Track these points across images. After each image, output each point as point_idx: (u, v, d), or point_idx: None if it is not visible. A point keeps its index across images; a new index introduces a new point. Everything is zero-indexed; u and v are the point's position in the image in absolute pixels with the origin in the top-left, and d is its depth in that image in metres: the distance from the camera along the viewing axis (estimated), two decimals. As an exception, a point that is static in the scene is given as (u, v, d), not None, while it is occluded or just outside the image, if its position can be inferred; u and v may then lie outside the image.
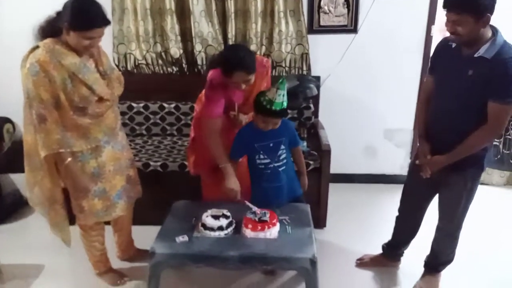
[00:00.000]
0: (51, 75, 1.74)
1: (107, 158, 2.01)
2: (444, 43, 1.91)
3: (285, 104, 1.96)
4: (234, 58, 1.96)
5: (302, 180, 2.26)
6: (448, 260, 2.18)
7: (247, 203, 1.97)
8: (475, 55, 1.72)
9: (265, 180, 2.12)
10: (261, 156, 2.08)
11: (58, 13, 1.79)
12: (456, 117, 1.85)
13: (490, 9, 1.64)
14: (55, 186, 1.97)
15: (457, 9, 1.66)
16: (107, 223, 2.22)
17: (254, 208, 1.94)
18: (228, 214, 1.97)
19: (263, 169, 2.10)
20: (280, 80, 1.91)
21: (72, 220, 2.10)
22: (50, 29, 1.80)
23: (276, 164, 2.10)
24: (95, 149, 1.95)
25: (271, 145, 2.07)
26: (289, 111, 3.06)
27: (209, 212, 1.98)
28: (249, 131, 2.09)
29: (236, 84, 1.99)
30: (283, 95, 1.93)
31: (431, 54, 3.01)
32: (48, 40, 1.78)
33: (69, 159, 1.87)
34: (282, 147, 2.09)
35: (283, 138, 2.09)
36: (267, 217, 1.92)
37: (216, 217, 1.94)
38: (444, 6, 1.71)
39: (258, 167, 2.11)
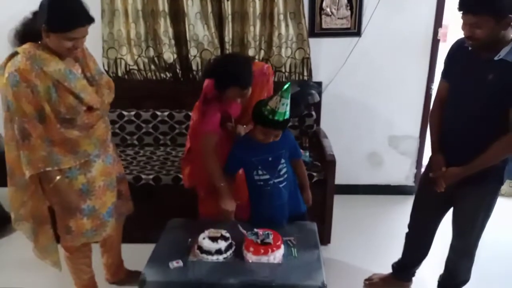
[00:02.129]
0: (33, 85, 1.57)
1: (97, 173, 1.84)
2: (459, 44, 1.78)
3: (287, 114, 1.79)
4: (228, 73, 1.83)
5: (306, 195, 2.10)
6: (465, 280, 2.05)
7: (240, 228, 1.79)
8: (496, 58, 1.60)
9: (265, 198, 1.97)
10: (260, 172, 1.93)
11: (35, 14, 1.62)
12: (473, 125, 1.73)
13: None
14: (43, 205, 1.82)
15: (477, 11, 1.53)
16: (94, 242, 2.04)
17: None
18: (227, 235, 1.81)
19: (262, 186, 1.95)
20: (284, 88, 1.73)
21: (56, 241, 1.94)
22: (28, 33, 1.63)
23: (276, 180, 1.94)
24: (84, 164, 1.79)
25: (270, 159, 1.91)
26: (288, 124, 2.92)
27: (206, 233, 1.81)
28: (245, 144, 1.93)
29: (232, 99, 1.88)
30: (287, 105, 1.76)
31: (438, 58, 2.99)
32: (27, 45, 1.60)
33: (58, 177, 1.71)
34: (282, 160, 1.93)
35: (283, 150, 1.93)
36: (270, 239, 1.75)
37: (214, 239, 1.78)
38: (460, 8, 1.58)
39: (257, 183, 1.95)
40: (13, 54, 1.61)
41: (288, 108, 1.78)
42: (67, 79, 1.65)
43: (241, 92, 1.85)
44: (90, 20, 1.60)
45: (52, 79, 1.61)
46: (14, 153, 1.70)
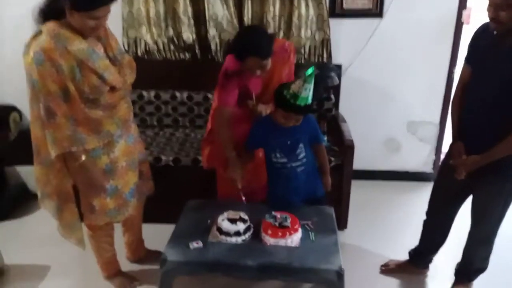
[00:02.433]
0: (58, 64, 1.58)
1: (120, 153, 1.87)
2: (484, 29, 1.73)
3: (309, 99, 1.77)
4: (248, 42, 1.84)
5: (325, 180, 2.09)
6: (482, 268, 2.04)
7: (243, 198, 1.90)
8: None
9: (282, 180, 1.98)
10: (278, 155, 1.93)
11: None
12: (492, 113, 1.69)
13: None
14: (67, 183, 1.85)
15: None
16: (116, 222, 2.08)
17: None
18: (246, 217, 1.83)
19: (280, 168, 1.95)
20: (309, 72, 1.71)
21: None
22: (52, 12, 1.62)
23: (294, 164, 1.94)
24: (107, 144, 1.81)
25: (288, 142, 1.91)
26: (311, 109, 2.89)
27: (225, 214, 1.85)
28: (266, 124, 1.93)
29: (250, 70, 1.86)
30: (310, 90, 1.74)
31: (461, 42, 2.89)
32: (51, 24, 1.60)
33: (83, 157, 1.74)
34: (301, 145, 1.93)
35: (303, 135, 1.92)
36: (288, 223, 1.78)
37: (232, 221, 1.81)
38: None
39: (275, 166, 1.96)
40: (38, 34, 1.62)
41: (310, 93, 1.76)
42: (91, 59, 1.65)
43: (260, 62, 1.84)
44: None
45: (76, 58, 1.62)
46: (40, 132, 1.72)
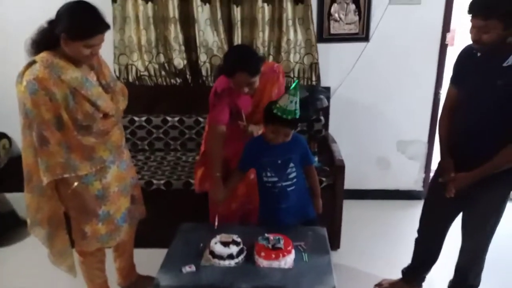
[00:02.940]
0: (51, 93, 1.60)
1: (112, 178, 1.87)
2: (468, 50, 1.79)
3: (297, 113, 1.81)
4: (237, 58, 1.90)
5: (316, 203, 2.11)
6: (474, 284, 2.05)
7: (216, 223, 1.92)
8: (504, 64, 1.61)
9: (273, 199, 1.99)
10: (268, 174, 1.95)
11: (51, 22, 1.64)
12: (481, 130, 1.73)
13: None
14: (59, 210, 1.85)
15: (486, 14, 1.53)
16: (108, 247, 2.07)
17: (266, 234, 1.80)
18: (239, 240, 1.82)
19: (271, 187, 1.97)
20: (292, 86, 1.77)
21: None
22: (45, 41, 1.65)
23: (284, 184, 1.95)
24: (99, 170, 1.81)
25: (279, 162, 1.93)
26: (298, 123, 2.94)
27: (218, 237, 1.83)
28: (257, 144, 1.96)
29: (239, 86, 1.91)
30: (296, 102, 1.79)
31: (446, 63, 2.99)
32: (45, 54, 1.63)
33: (76, 183, 1.74)
34: (291, 164, 1.95)
35: (293, 155, 1.94)
36: (281, 244, 1.77)
37: (225, 244, 1.80)
38: (470, 11, 1.59)
39: (266, 185, 1.98)
40: (31, 63, 1.64)
41: (297, 106, 1.80)
42: (84, 87, 1.68)
43: (249, 79, 1.88)
44: (107, 27, 1.64)
45: (69, 86, 1.64)
46: (32, 159, 1.72)
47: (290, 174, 1.95)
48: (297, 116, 1.82)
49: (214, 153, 2.04)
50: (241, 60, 1.89)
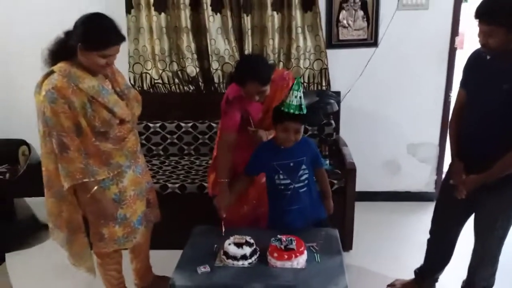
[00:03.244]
0: (70, 101, 1.67)
1: (129, 183, 1.94)
2: (477, 54, 1.81)
3: (303, 108, 1.84)
4: (248, 68, 1.94)
5: (327, 204, 2.13)
6: (488, 285, 2.03)
7: (223, 229, 1.94)
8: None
9: (285, 201, 2.01)
10: (281, 176, 1.98)
11: (67, 33, 1.72)
12: (490, 133, 1.74)
13: None
14: (77, 214, 1.90)
15: (489, 20, 1.57)
16: (124, 249, 2.12)
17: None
18: (252, 241, 1.86)
19: (283, 190, 2.00)
20: (295, 82, 1.82)
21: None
22: (61, 52, 1.72)
23: (296, 185, 1.99)
24: (116, 175, 1.88)
25: (291, 164, 1.97)
26: (309, 127, 2.98)
27: (231, 239, 1.87)
28: (268, 148, 1.99)
29: (250, 95, 1.95)
30: (300, 97, 1.83)
31: (456, 66, 3.00)
32: (62, 64, 1.70)
33: (95, 187, 1.80)
34: (303, 166, 1.98)
35: (304, 157, 1.98)
36: (293, 245, 1.80)
37: (239, 245, 1.83)
38: (476, 17, 1.63)
39: (278, 187, 2.01)
40: (49, 73, 1.71)
41: (302, 101, 1.83)
42: (101, 95, 1.75)
43: (259, 88, 1.92)
44: (123, 38, 1.71)
45: (87, 95, 1.71)
46: (53, 166, 1.79)
47: (302, 176, 1.99)
48: (304, 112, 1.85)
49: (222, 159, 2.09)
50: (252, 69, 1.93)
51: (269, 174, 2.03)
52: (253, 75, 1.91)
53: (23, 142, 3.07)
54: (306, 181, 2.00)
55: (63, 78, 1.67)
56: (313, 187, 2.07)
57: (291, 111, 1.82)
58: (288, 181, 1.98)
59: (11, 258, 2.71)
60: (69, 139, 1.69)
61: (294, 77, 2.96)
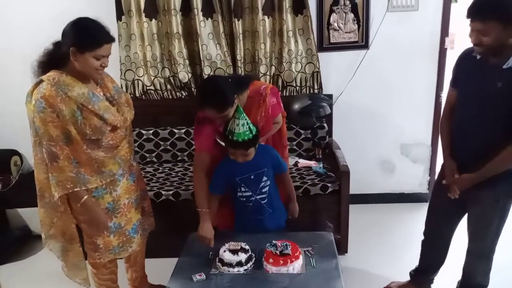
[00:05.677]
0: (59, 109, 1.66)
1: (122, 191, 1.92)
2: (467, 54, 1.81)
3: (248, 134, 1.82)
4: (203, 95, 1.87)
5: (292, 207, 2.15)
6: (482, 285, 2.04)
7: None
8: (504, 67, 1.63)
9: (247, 212, 2.04)
10: (243, 189, 1.99)
11: (56, 44, 1.72)
12: (482, 132, 1.75)
13: None
14: (71, 224, 1.89)
15: (484, 17, 1.56)
16: (120, 258, 2.11)
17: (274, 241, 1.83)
18: (247, 247, 1.86)
19: (245, 201, 2.01)
20: (236, 109, 1.81)
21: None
22: (51, 61, 1.72)
23: (258, 197, 2.00)
24: (109, 183, 1.86)
25: (252, 177, 1.96)
26: (302, 131, 2.99)
27: (227, 246, 1.87)
28: (228, 164, 1.96)
29: (211, 119, 1.89)
30: (243, 125, 1.81)
31: (446, 66, 3.02)
32: (51, 73, 1.70)
33: (86, 196, 1.78)
34: (265, 178, 1.98)
35: (265, 168, 1.97)
36: (289, 250, 1.80)
37: (234, 252, 1.83)
38: (468, 16, 1.61)
39: (240, 200, 2.02)
40: (39, 82, 1.71)
41: (246, 128, 1.82)
42: (91, 102, 1.73)
43: (217, 114, 1.84)
44: (113, 38, 1.71)
45: (76, 102, 1.70)
46: (44, 175, 1.78)
47: (263, 188, 1.99)
48: (249, 137, 1.82)
49: (196, 183, 2.00)
50: (207, 97, 1.83)
51: (233, 188, 2.02)
52: (209, 102, 1.82)
53: (15, 152, 3.06)
54: (267, 193, 2.01)
55: (52, 86, 1.66)
56: (274, 198, 2.07)
57: (235, 138, 1.82)
58: (249, 193, 1.99)
59: (3, 269, 2.69)
60: (58, 148, 1.69)
61: (282, 84, 2.97)
